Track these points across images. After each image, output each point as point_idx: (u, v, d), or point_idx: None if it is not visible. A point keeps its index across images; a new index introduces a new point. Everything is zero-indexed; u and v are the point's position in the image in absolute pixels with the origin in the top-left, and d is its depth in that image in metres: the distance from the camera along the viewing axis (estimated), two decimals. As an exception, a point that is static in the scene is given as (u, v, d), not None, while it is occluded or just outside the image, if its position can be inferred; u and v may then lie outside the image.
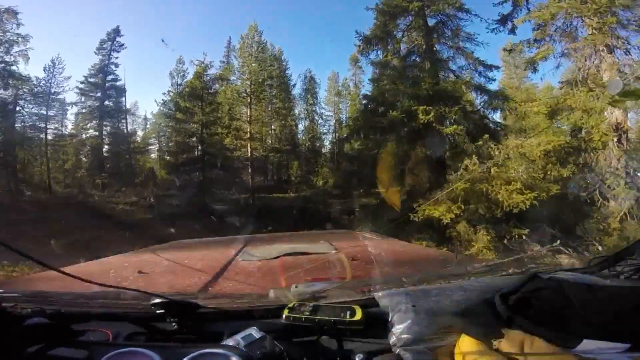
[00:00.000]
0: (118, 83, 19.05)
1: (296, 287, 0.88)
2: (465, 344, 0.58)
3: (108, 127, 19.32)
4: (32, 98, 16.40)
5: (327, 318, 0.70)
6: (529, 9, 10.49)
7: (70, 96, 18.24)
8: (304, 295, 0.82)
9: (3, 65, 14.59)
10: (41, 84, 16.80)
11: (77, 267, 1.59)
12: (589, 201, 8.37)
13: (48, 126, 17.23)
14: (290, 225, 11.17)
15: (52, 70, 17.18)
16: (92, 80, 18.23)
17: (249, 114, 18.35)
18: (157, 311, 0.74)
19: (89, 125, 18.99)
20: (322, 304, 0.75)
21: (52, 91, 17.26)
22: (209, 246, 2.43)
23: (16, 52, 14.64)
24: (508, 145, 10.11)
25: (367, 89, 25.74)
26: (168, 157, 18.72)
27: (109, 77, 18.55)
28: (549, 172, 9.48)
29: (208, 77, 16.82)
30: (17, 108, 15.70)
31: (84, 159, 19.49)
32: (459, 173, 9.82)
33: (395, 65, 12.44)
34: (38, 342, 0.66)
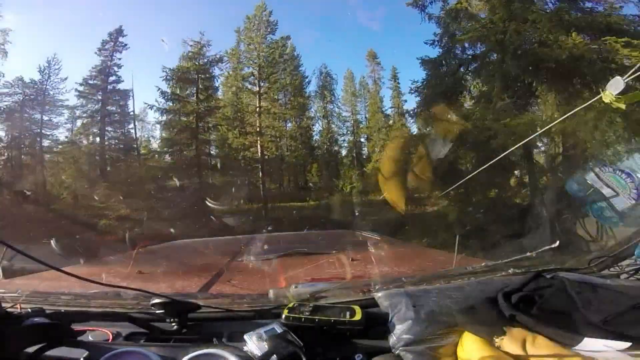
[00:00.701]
0: (120, 85, 16.68)
1: (296, 287, 0.88)
2: (468, 341, 0.58)
3: (111, 132, 17.15)
4: (28, 101, 14.74)
5: (327, 318, 0.70)
6: None
7: (70, 99, 16.05)
8: (304, 295, 0.82)
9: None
10: (35, 86, 15.11)
11: (77, 267, 1.59)
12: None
13: (44, 131, 15.41)
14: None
15: (47, 71, 15.34)
16: (92, 82, 16.07)
17: (258, 104, 15.19)
18: (157, 311, 0.74)
19: (89, 130, 16.85)
20: (322, 304, 0.75)
21: (48, 93, 15.38)
22: (208, 246, 2.43)
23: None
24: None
25: (387, 84, 26.00)
26: (155, 159, 15.31)
27: (111, 79, 16.37)
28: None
29: (205, 60, 13.92)
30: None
31: (84, 166, 17.42)
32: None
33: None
34: (38, 342, 0.65)
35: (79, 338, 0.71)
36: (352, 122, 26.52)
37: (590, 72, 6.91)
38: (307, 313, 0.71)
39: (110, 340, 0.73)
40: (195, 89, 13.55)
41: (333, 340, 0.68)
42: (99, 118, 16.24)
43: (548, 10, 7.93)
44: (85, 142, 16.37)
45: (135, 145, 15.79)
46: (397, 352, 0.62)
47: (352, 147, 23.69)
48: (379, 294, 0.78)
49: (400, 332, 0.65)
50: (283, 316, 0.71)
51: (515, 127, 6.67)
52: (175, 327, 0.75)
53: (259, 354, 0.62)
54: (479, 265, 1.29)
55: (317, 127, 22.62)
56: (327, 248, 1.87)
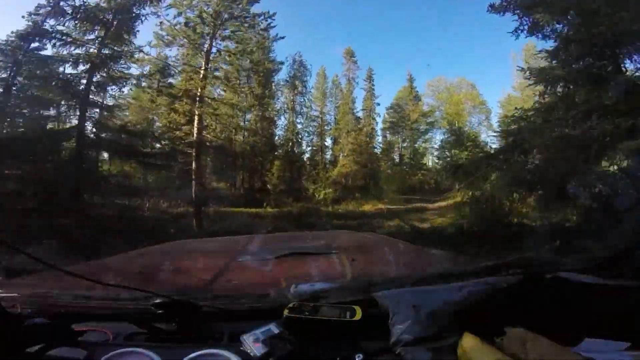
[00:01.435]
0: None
1: (296, 287, 0.88)
2: (468, 342, 0.58)
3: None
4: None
5: (327, 318, 0.70)
6: None
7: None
8: (304, 295, 0.82)
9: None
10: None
11: (76, 267, 1.59)
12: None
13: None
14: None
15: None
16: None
17: (202, 71, 10.98)
18: (157, 311, 0.74)
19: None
20: (322, 304, 0.75)
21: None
22: (209, 246, 2.43)
23: None
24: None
25: (361, 85, 23.87)
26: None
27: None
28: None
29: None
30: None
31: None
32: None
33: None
34: (38, 342, 0.66)
35: (79, 338, 0.71)
36: (320, 121, 24.38)
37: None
38: (307, 313, 0.71)
39: (110, 340, 0.73)
40: (104, 32, 9.04)
41: (333, 340, 0.69)
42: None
43: None
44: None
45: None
46: (397, 352, 0.62)
47: (319, 149, 22.65)
48: (379, 294, 0.78)
49: (400, 332, 0.65)
50: (283, 316, 0.71)
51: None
52: (175, 327, 0.75)
53: (256, 355, 0.63)
54: (479, 265, 1.29)
55: (283, 121, 20.68)
56: (327, 248, 1.87)
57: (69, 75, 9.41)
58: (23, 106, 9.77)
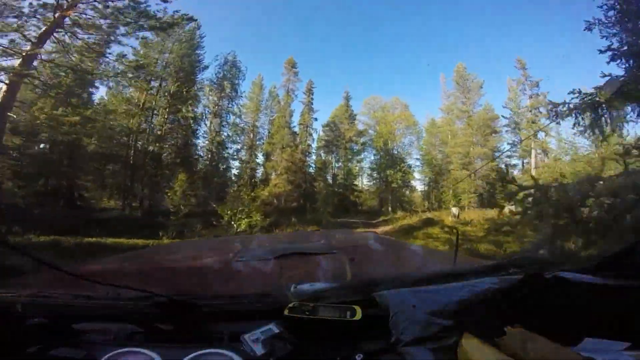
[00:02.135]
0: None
1: (296, 287, 0.88)
2: (468, 342, 0.58)
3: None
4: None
5: (327, 318, 0.70)
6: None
7: None
8: (304, 295, 0.82)
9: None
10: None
11: (76, 267, 1.59)
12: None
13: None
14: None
15: None
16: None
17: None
18: (157, 311, 0.74)
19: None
20: (322, 304, 0.75)
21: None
22: (209, 246, 2.43)
23: None
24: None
25: (300, 98, 22.95)
26: None
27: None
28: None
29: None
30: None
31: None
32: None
33: None
34: (38, 342, 0.66)
35: (79, 338, 0.71)
36: (252, 134, 22.79)
37: None
38: (307, 313, 0.71)
39: (110, 340, 0.73)
40: None
41: (333, 340, 0.69)
42: None
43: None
44: None
45: None
46: (397, 352, 0.62)
47: (248, 165, 20.90)
48: (379, 294, 0.78)
49: (400, 332, 0.65)
50: (283, 316, 0.71)
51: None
52: (175, 327, 0.75)
53: (257, 355, 0.63)
54: (479, 265, 1.29)
55: (204, 128, 17.90)
56: (327, 248, 1.87)
57: None
58: None
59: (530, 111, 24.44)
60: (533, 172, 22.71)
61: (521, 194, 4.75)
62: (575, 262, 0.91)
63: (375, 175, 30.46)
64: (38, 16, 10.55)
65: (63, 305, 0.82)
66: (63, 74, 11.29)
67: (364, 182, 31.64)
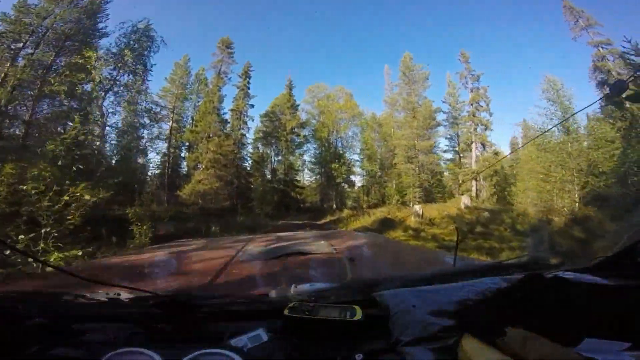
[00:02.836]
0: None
1: (296, 287, 0.88)
2: (468, 342, 0.58)
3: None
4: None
5: (327, 318, 0.70)
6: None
7: None
8: (304, 295, 0.82)
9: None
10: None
11: (76, 267, 1.59)
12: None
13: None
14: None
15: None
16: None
17: None
18: (157, 311, 0.74)
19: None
20: (322, 304, 0.75)
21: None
22: (209, 246, 2.43)
23: None
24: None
25: (235, 80, 19.35)
26: None
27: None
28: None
29: None
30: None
31: None
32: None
33: None
34: (38, 342, 0.66)
35: (79, 338, 0.71)
36: (171, 121, 19.11)
37: None
38: (307, 313, 0.71)
39: (110, 340, 0.73)
40: None
41: (333, 340, 0.69)
42: None
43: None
44: None
45: None
46: (397, 352, 0.62)
47: (168, 158, 17.63)
48: (379, 294, 0.78)
49: (400, 332, 0.65)
50: (283, 316, 0.71)
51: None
52: (175, 327, 0.75)
53: (257, 355, 0.63)
54: (479, 265, 1.29)
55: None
56: (326, 248, 1.87)
57: None
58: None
59: (472, 104, 24.27)
60: (474, 166, 23.19)
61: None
62: (575, 262, 0.91)
63: (317, 169, 28.12)
64: None
65: (63, 305, 0.82)
66: None
67: (305, 177, 29.32)
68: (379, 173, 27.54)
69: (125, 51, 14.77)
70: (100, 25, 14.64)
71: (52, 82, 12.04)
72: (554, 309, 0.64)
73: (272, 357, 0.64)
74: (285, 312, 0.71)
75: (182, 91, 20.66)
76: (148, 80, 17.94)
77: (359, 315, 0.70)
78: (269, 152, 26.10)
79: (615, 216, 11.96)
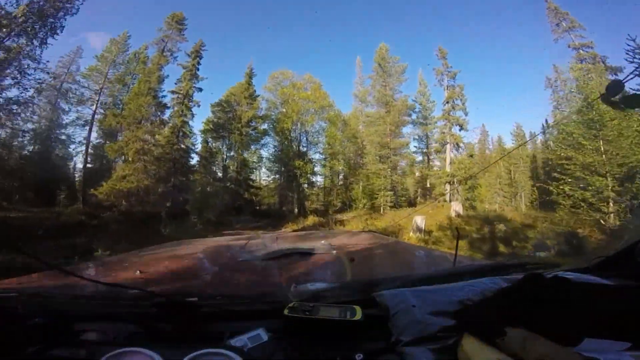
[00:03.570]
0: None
1: (296, 287, 0.88)
2: (468, 342, 0.58)
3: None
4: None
5: (327, 318, 0.70)
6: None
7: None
8: (304, 295, 0.82)
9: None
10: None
11: (76, 267, 1.59)
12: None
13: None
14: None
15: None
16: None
17: None
18: (157, 311, 0.74)
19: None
20: (322, 304, 0.75)
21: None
22: (209, 246, 2.43)
23: None
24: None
25: (183, 58, 15.55)
26: None
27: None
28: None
29: None
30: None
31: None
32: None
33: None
34: (38, 342, 0.66)
35: (79, 338, 0.71)
36: (95, 106, 15.77)
37: None
38: (307, 313, 0.71)
39: (110, 340, 0.73)
40: None
41: (333, 340, 0.69)
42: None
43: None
44: None
45: None
46: (397, 352, 0.62)
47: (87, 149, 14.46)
48: (379, 294, 0.78)
49: (400, 332, 0.65)
50: (283, 316, 0.71)
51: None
52: (175, 327, 0.75)
53: (257, 355, 0.63)
54: (479, 265, 1.29)
55: None
56: (326, 248, 1.87)
57: None
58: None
59: (448, 102, 22.43)
60: (448, 168, 21.24)
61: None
62: (575, 262, 0.92)
63: (276, 167, 24.25)
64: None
65: (63, 305, 0.82)
66: None
67: (262, 176, 25.46)
68: (343, 174, 24.79)
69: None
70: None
71: None
72: (554, 309, 0.64)
73: (272, 357, 0.64)
74: (285, 312, 0.71)
75: (115, 71, 16.91)
76: (65, 56, 14.26)
77: (359, 315, 0.70)
78: (220, 146, 22.29)
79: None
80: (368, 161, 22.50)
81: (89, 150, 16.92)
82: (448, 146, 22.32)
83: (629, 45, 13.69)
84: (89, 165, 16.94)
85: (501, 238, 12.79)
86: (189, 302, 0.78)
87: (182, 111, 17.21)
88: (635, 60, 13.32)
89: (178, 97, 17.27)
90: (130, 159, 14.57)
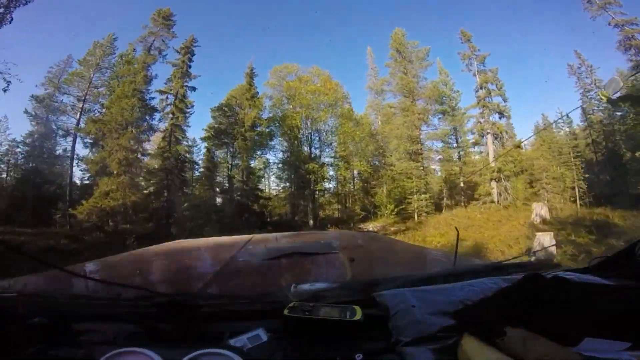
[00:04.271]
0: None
1: (296, 287, 0.88)
2: (468, 342, 0.58)
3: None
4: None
5: (327, 318, 0.70)
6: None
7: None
8: (304, 295, 0.82)
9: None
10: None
11: (77, 267, 1.59)
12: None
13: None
14: None
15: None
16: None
17: None
18: (157, 311, 0.74)
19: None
20: (322, 304, 0.75)
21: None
22: (209, 246, 2.43)
23: None
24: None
25: (173, 57, 13.97)
26: None
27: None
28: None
29: None
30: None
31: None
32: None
33: None
34: (38, 342, 0.66)
35: (79, 338, 0.71)
36: (80, 113, 13.76)
37: None
38: (307, 313, 0.71)
39: (110, 340, 0.73)
40: None
41: (333, 340, 0.69)
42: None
43: None
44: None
45: None
46: (397, 352, 0.62)
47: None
48: (379, 294, 0.78)
49: (400, 332, 0.65)
50: (283, 316, 0.71)
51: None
52: (175, 327, 0.75)
53: (257, 356, 0.63)
54: (479, 265, 1.29)
55: None
56: (327, 248, 1.87)
57: None
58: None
59: (481, 88, 19.46)
60: (492, 163, 18.24)
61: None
62: (575, 262, 0.91)
63: (285, 174, 21.34)
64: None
65: (63, 305, 0.82)
66: None
67: (270, 185, 22.53)
68: (361, 177, 21.57)
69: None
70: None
71: None
72: (554, 309, 0.64)
73: (272, 357, 0.64)
74: (285, 312, 0.71)
75: (100, 76, 14.88)
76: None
77: (359, 315, 0.70)
78: (224, 154, 20.21)
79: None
80: (394, 159, 19.71)
81: (76, 163, 14.84)
82: (489, 137, 19.11)
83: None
84: (80, 182, 15.09)
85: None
86: (189, 302, 0.78)
87: (174, 114, 15.13)
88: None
89: (168, 98, 15.17)
90: (115, 172, 12.32)
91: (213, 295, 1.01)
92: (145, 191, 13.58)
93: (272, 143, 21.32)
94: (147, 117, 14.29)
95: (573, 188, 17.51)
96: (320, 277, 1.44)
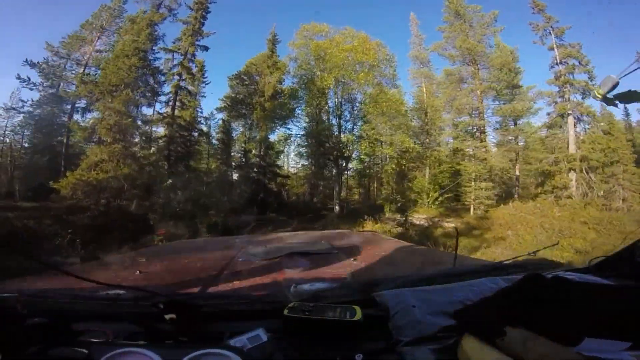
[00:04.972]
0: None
1: (296, 287, 0.88)
2: (468, 342, 0.58)
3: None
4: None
5: (327, 318, 0.70)
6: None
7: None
8: (304, 295, 0.83)
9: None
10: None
11: (77, 267, 1.59)
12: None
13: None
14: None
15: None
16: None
17: None
18: (157, 311, 0.74)
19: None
20: (322, 304, 0.75)
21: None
22: (209, 246, 2.43)
23: None
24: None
25: (185, 15, 11.56)
26: None
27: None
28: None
29: None
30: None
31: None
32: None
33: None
34: (38, 342, 0.66)
35: (79, 338, 0.71)
36: (82, 76, 11.43)
37: None
38: (307, 313, 0.71)
39: (110, 340, 0.73)
40: None
41: (333, 340, 0.69)
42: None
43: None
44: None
45: None
46: (397, 352, 0.62)
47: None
48: (379, 294, 0.78)
49: (400, 332, 0.65)
50: (283, 316, 0.71)
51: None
52: (175, 327, 0.75)
53: (257, 356, 0.63)
54: (479, 265, 1.29)
55: None
56: (327, 248, 1.87)
57: None
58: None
59: (560, 63, 16.12)
60: (573, 149, 14.97)
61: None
62: (575, 262, 0.92)
63: (306, 151, 17.91)
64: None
65: (63, 305, 0.82)
66: None
67: (289, 162, 19.74)
68: (398, 157, 17.00)
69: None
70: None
71: None
72: (554, 309, 0.64)
73: (272, 358, 0.64)
74: (285, 312, 0.71)
75: (108, 40, 13.12)
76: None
77: (358, 315, 0.70)
78: (242, 127, 17.78)
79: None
80: (444, 138, 16.29)
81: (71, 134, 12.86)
82: (570, 119, 15.46)
83: None
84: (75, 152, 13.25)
85: None
86: (189, 302, 0.78)
87: (180, 75, 12.87)
88: None
89: (174, 57, 12.96)
90: (104, 139, 10.30)
91: (213, 295, 1.01)
92: (143, 162, 11.34)
93: (296, 111, 17.65)
94: (151, 80, 12.15)
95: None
96: (320, 277, 1.44)
